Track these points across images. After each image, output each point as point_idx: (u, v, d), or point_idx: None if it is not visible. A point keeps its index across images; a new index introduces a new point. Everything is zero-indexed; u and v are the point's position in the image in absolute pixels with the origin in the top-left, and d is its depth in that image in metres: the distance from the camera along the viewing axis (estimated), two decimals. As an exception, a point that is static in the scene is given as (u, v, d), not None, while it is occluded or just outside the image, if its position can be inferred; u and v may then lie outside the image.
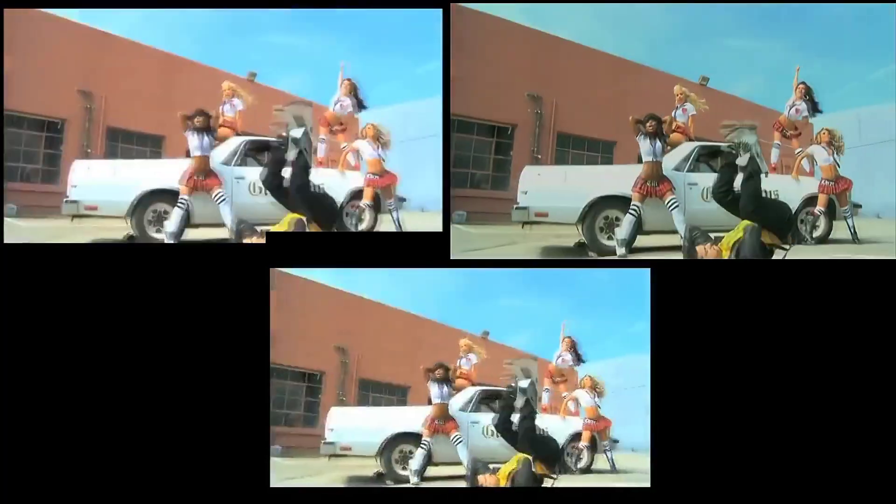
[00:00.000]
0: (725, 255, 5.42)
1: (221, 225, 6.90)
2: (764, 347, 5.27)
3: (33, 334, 5.40)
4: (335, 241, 6.34)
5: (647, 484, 5.29)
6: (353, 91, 7.39)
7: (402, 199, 8.03)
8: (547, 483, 5.71)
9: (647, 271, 5.42)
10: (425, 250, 5.67)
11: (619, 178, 7.00)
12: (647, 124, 6.79)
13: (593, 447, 8.23)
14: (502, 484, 5.65)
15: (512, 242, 6.82)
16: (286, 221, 6.02)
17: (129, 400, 5.36)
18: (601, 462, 8.32)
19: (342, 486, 6.51)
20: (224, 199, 6.89)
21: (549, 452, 5.97)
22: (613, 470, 8.16)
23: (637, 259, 6.09)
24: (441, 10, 5.88)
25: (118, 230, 6.98)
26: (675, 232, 6.78)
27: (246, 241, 5.92)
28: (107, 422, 5.34)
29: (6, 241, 5.71)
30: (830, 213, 7.41)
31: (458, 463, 7.14)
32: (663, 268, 5.46)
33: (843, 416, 5.21)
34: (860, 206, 7.86)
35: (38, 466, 5.33)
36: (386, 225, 7.56)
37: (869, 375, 5.25)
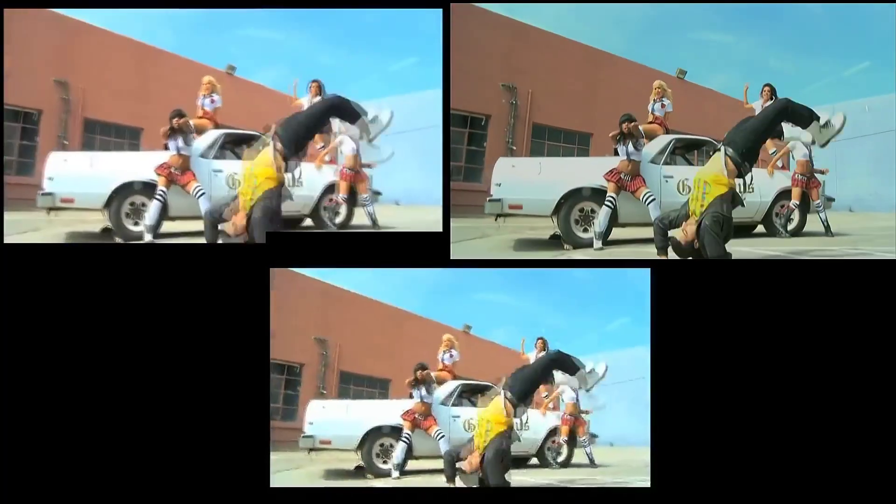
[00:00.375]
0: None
1: (199, 217, 6.89)
2: (764, 347, 5.28)
3: (33, 333, 5.39)
4: (335, 240, 6.32)
5: (647, 483, 5.31)
6: (320, 92, 7.37)
7: (378, 193, 8.04)
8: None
9: (647, 271, 5.42)
10: (425, 250, 5.66)
11: (595, 170, 6.93)
12: (623, 125, 6.78)
13: (572, 442, 8.27)
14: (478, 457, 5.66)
15: (484, 235, 6.79)
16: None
17: (129, 400, 5.35)
18: (579, 456, 8.37)
19: (342, 486, 6.47)
20: (203, 194, 6.86)
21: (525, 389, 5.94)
22: (592, 464, 8.20)
23: (637, 259, 6.06)
24: (441, 9, 5.84)
25: (95, 223, 6.97)
26: (650, 224, 6.82)
27: (221, 226, 5.85)
28: (107, 422, 5.33)
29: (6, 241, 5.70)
30: (804, 206, 7.47)
31: (440, 456, 7.17)
32: (663, 268, 5.47)
33: (842, 415, 5.22)
34: (833, 200, 7.92)
35: (37, 465, 5.32)
36: (360, 218, 7.60)
37: (868, 373, 5.28)
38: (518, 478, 6.38)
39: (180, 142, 6.86)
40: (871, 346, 5.24)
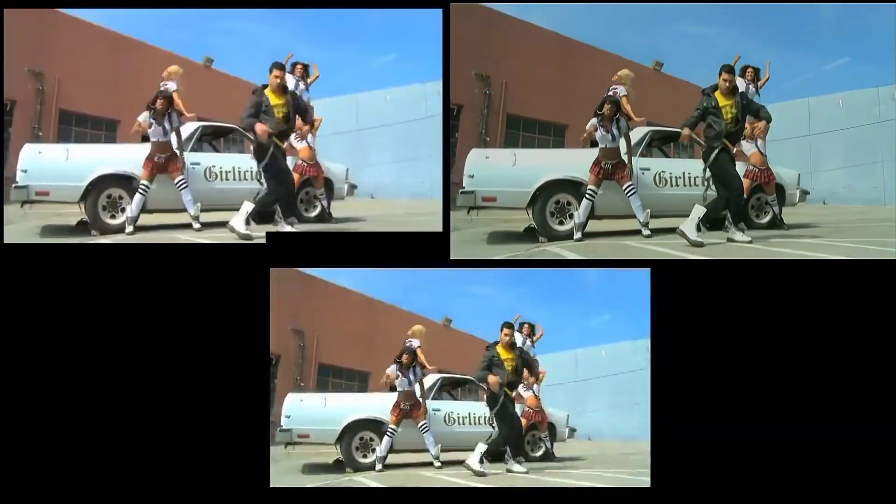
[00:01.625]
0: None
1: (178, 210, 6.87)
2: (764, 346, 5.29)
3: (33, 334, 5.37)
4: (335, 241, 6.29)
5: (647, 483, 5.34)
6: (305, 75, 7.27)
7: (354, 187, 8.03)
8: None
9: (646, 271, 5.45)
10: (425, 250, 5.67)
11: (571, 162, 6.89)
12: (606, 108, 6.62)
13: (552, 435, 8.21)
14: None
15: (455, 229, 6.55)
16: None
17: (129, 400, 5.33)
18: (561, 451, 8.34)
19: (342, 486, 6.41)
20: (186, 187, 6.80)
21: None
22: (552, 458, 8.13)
23: (637, 259, 6.07)
24: (441, 9, 5.81)
25: (70, 216, 6.93)
26: (625, 217, 6.80)
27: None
28: (107, 421, 5.32)
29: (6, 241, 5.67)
30: (780, 199, 7.43)
31: (423, 450, 7.14)
32: (663, 268, 5.50)
33: (841, 413, 5.25)
34: (808, 193, 7.95)
35: (38, 465, 5.31)
36: (342, 212, 7.57)
37: (867, 371, 5.31)
38: (515, 477, 6.39)
39: (167, 125, 6.77)
40: (870, 345, 5.29)
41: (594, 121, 6.67)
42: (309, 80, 7.21)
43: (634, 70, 7.16)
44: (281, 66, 6.28)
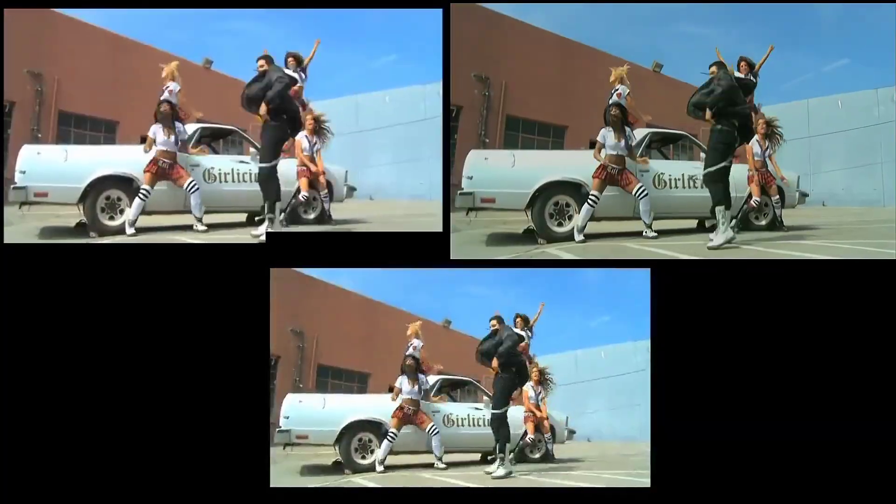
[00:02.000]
0: None
1: (177, 212, 6.86)
2: (764, 346, 5.29)
3: (33, 333, 5.37)
4: (335, 241, 6.29)
5: (647, 483, 5.34)
6: (299, 64, 7.18)
7: (353, 189, 8.01)
8: None
9: (646, 272, 5.45)
10: (425, 250, 5.67)
11: (570, 163, 6.87)
12: (612, 114, 6.61)
13: (552, 437, 8.21)
14: None
15: (454, 230, 6.54)
16: None
17: (129, 400, 5.34)
18: (560, 452, 8.34)
19: (342, 486, 6.40)
20: (197, 189, 6.78)
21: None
22: (552, 459, 8.13)
23: (637, 260, 6.06)
24: (441, 9, 5.80)
25: (68, 217, 6.90)
26: (625, 218, 6.83)
27: None
28: (107, 422, 5.33)
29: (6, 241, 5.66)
30: (779, 200, 7.47)
31: (422, 452, 7.16)
32: (663, 268, 5.50)
33: (842, 414, 5.25)
34: (807, 195, 7.95)
35: (37, 465, 5.31)
36: (340, 213, 7.56)
37: (867, 371, 5.31)
38: (515, 477, 6.39)
39: (175, 133, 6.75)
40: (870, 345, 5.28)
41: (605, 130, 6.66)
42: (304, 63, 7.13)
43: (634, 71, 7.12)
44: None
